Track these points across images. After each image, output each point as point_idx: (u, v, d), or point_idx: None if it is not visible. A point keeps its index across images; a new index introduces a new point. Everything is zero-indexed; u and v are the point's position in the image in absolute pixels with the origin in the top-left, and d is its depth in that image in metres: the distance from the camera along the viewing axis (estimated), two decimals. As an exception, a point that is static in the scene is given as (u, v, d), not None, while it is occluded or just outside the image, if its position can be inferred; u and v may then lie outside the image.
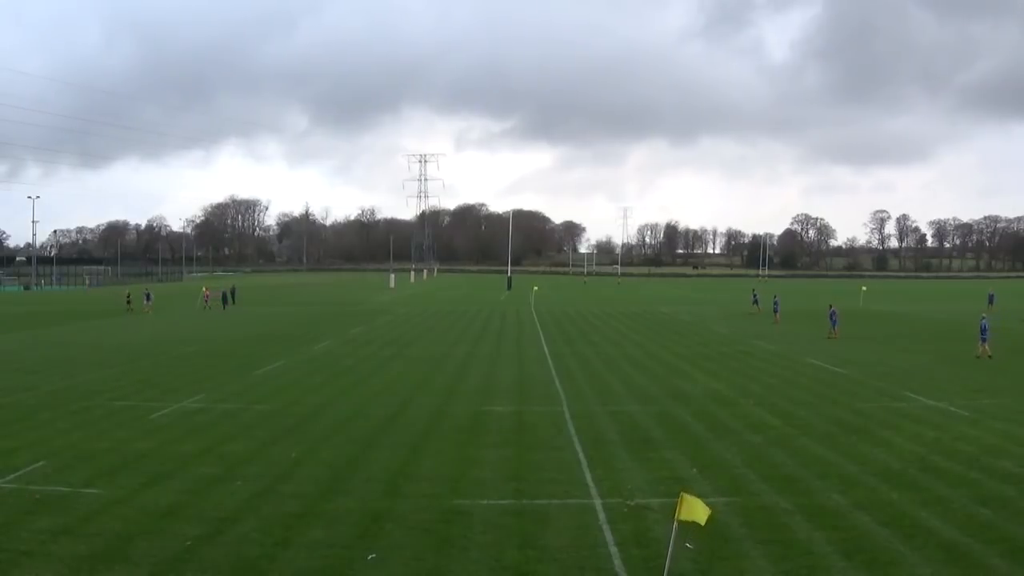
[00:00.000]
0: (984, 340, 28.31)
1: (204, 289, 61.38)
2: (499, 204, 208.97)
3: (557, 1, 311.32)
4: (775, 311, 45.03)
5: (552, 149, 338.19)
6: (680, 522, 7.41)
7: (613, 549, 9.28)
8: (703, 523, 7.41)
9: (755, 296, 56.67)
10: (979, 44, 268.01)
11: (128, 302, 52.65)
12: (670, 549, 7.68)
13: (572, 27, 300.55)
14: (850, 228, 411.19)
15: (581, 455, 13.80)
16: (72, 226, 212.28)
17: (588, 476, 12.44)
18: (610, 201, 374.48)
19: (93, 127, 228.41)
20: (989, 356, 27.63)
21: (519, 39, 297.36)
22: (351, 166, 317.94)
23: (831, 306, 37.89)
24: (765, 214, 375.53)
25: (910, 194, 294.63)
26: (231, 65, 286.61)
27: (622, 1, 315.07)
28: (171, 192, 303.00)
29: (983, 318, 29.51)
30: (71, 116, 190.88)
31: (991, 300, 56.26)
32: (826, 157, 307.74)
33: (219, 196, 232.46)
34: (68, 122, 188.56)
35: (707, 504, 7.48)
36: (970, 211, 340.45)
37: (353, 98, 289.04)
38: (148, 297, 53.08)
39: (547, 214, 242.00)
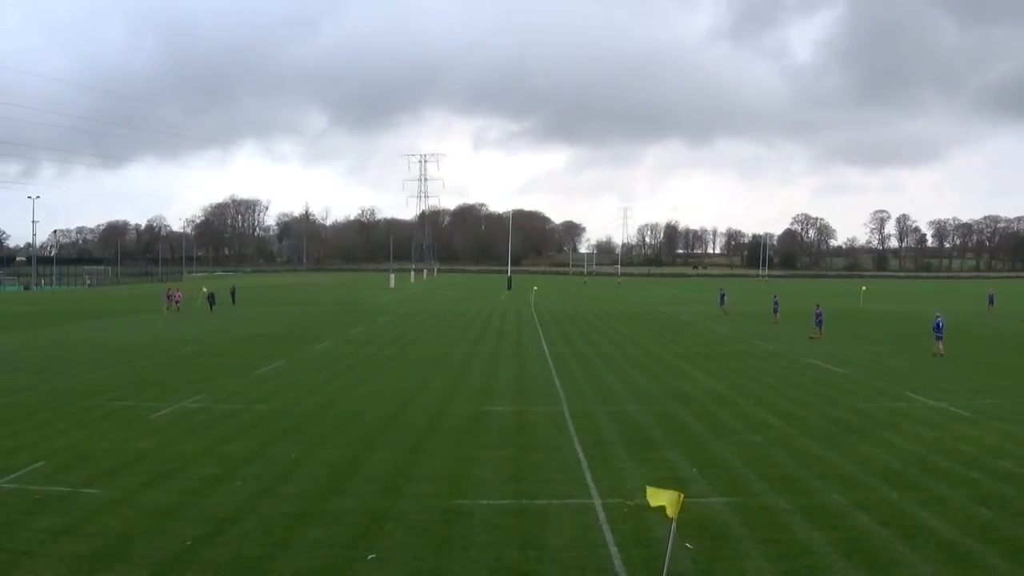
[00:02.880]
0: (939, 339, 28.59)
1: (173, 291, 56.26)
2: (511, 204, 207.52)
3: (578, 2, 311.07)
4: (775, 311, 44.97)
5: (570, 150, 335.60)
6: (677, 520, 7.40)
7: (613, 549, 9.28)
8: (676, 508, 7.16)
9: (722, 297, 52.75)
10: (998, 47, 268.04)
11: (173, 300, 52.58)
12: (670, 549, 7.69)
13: (593, 28, 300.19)
14: (850, 228, 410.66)
15: (581, 455, 13.80)
16: (74, 226, 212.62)
17: (588, 476, 12.44)
18: (622, 201, 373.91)
19: (111, 128, 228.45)
20: (942, 354, 27.96)
21: (540, 40, 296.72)
22: (365, 167, 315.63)
23: (818, 306, 37.84)
24: (772, 214, 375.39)
25: (919, 195, 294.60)
26: (251, 66, 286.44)
27: (643, 3, 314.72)
28: (185, 192, 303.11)
29: (937, 317, 29.79)
30: (90, 117, 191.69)
31: (991, 300, 56.13)
32: (839, 158, 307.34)
33: (226, 196, 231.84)
34: (86, 123, 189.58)
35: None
36: (977, 212, 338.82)
37: (373, 99, 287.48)
38: (171, 297, 52.90)
39: (552, 214, 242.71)
